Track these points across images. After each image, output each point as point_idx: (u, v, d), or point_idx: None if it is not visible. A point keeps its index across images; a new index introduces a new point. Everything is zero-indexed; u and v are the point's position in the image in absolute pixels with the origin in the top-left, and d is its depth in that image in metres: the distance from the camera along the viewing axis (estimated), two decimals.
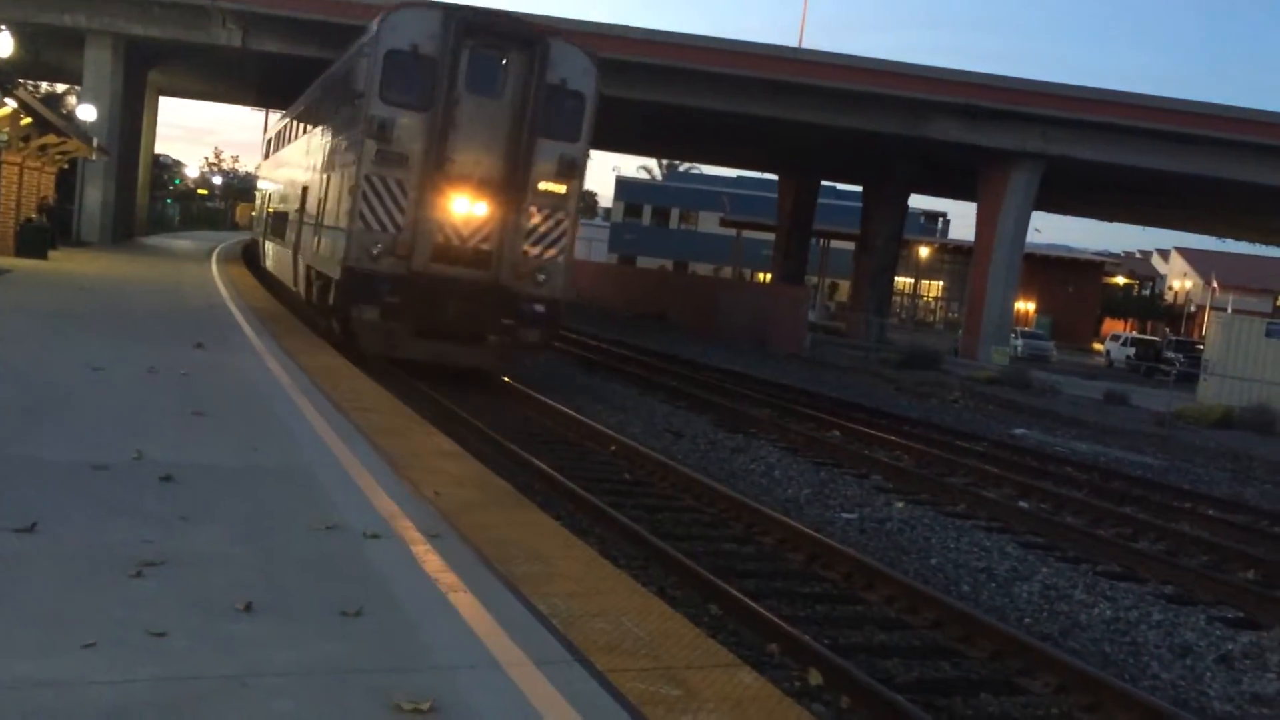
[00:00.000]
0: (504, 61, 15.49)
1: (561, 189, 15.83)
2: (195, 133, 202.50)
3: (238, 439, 7.82)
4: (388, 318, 15.13)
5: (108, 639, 4.01)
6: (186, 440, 7.58)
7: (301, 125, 24.40)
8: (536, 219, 15.69)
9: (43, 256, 25.55)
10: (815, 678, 6.49)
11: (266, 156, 35.91)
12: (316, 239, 18.31)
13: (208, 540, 5.36)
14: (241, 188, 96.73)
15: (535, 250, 15.74)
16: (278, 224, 26.50)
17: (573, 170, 15.86)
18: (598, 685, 4.11)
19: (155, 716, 3.48)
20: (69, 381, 9.40)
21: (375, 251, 14.91)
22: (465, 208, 15.31)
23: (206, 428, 8.10)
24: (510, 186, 15.39)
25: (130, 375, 10.10)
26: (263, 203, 34.09)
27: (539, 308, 15.75)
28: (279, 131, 31.27)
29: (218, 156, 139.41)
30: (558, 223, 15.84)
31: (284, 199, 26.03)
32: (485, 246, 15.51)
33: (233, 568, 5.00)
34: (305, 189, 21.03)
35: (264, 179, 36.14)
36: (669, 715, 3.92)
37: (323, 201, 17.97)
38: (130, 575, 4.70)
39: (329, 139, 18.53)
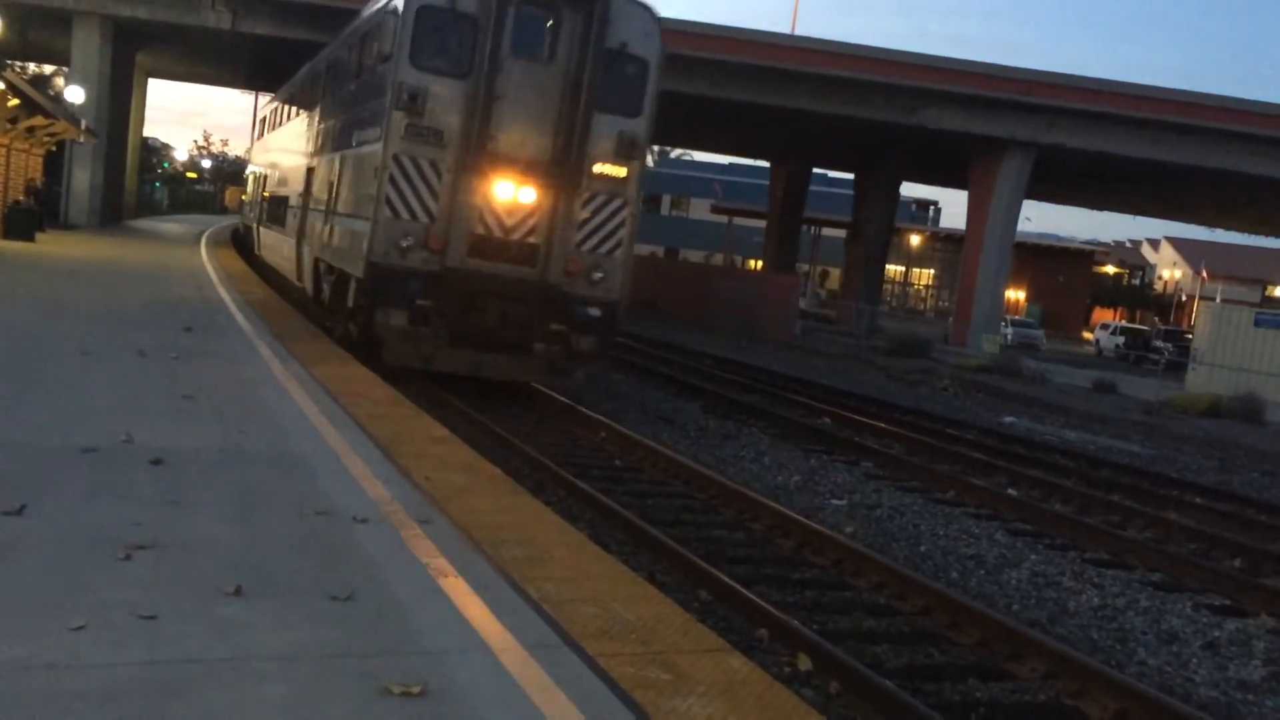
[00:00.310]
0: (555, 21, 13.23)
1: (621, 172, 13.55)
2: (184, 116, 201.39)
3: (227, 423, 7.80)
4: (418, 323, 13.01)
5: (97, 622, 4.00)
6: (176, 424, 7.56)
7: (306, 99, 21.84)
8: (592, 207, 13.47)
9: (30, 239, 25.43)
10: (805, 663, 6.51)
11: (260, 136, 33.10)
12: (328, 228, 15.92)
13: (197, 523, 5.35)
14: (231, 171, 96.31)
15: (590, 244, 13.54)
16: (275, 210, 24.12)
17: (633, 150, 13.59)
18: (588, 670, 4.12)
19: (145, 699, 3.47)
20: (57, 365, 9.36)
21: (404, 245, 12.72)
22: (509, 193, 13.04)
23: (196, 411, 8.08)
24: (562, 169, 13.12)
25: (119, 359, 10.06)
26: (256, 186, 31.40)
27: (593, 311, 13.59)
28: (277, 108, 28.49)
29: (207, 140, 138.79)
30: (615, 212, 13.58)
31: (283, 182, 23.60)
32: (532, 239, 13.26)
33: (222, 551, 4.99)
34: (311, 171, 18.87)
35: (257, 161, 33.25)
36: (659, 699, 3.93)
37: (335, 185, 15.77)
38: (120, 558, 4.69)
39: (344, 113, 16.27)
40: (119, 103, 40.65)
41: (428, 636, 4.30)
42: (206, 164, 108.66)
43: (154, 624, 4.06)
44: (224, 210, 77.03)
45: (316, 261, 16.97)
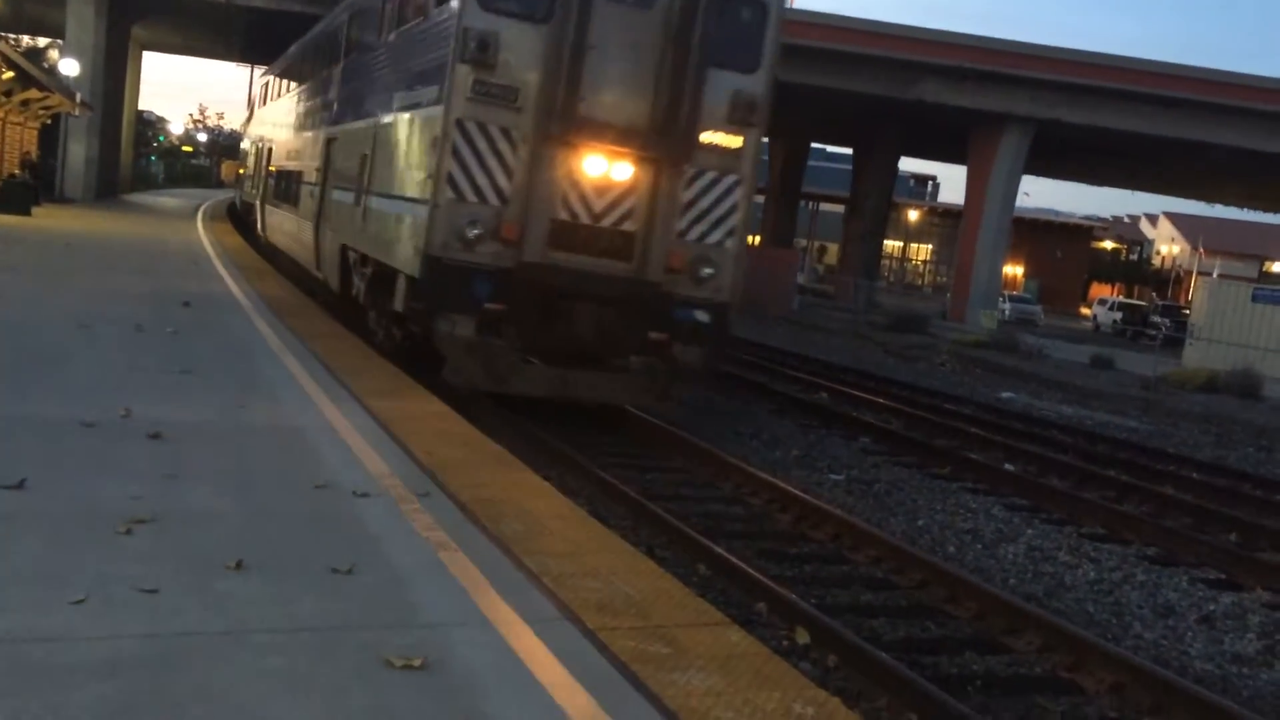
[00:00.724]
0: None
1: (735, 142, 10.91)
2: (179, 89, 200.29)
3: (226, 396, 7.79)
4: (488, 332, 10.56)
5: (97, 595, 4.01)
6: (174, 398, 7.55)
7: (322, 57, 18.70)
8: (699, 187, 10.84)
9: (26, 213, 25.32)
10: (803, 636, 6.54)
11: (264, 102, 29.44)
12: (361, 211, 13.21)
13: (197, 498, 5.36)
14: (227, 145, 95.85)
15: (696, 232, 10.91)
16: (284, 186, 21.25)
17: (751, 114, 10.89)
18: (588, 643, 4.14)
19: (146, 672, 3.48)
20: (56, 339, 9.34)
21: (471, 235, 10.11)
22: (600, 169, 10.43)
23: (194, 386, 8.07)
24: (665, 138, 10.49)
25: (117, 333, 10.04)
26: (258, 159, 27.88)
27: (701, 315, 11.00)
28: (284, 69, 25.11)
29: (202, 113, 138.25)
30: (728, 191, 10.94)
31: (294, 154, 20.65)
32: (627, 226, 10.64)
33: (222, 525, 5.00)
34: (331, 142, 16.13)
35: (259, 131, 29.70)
36: (658, 673, 3.95)
37: (370, 159, 13.11)
38: (119, 532, 4.69)
39: (381, 71, 13.52)
40: (114, 76, 40.43)
41: (428, 610, 4.32)
42: (202, 138, 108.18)
43: (154, 597, 4.06)
44: (220, 184, 76.82)
45: (345, 251, 14.28)
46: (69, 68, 34.48)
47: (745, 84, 10.91)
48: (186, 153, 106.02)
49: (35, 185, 28.48)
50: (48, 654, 3.52)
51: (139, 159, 68.55)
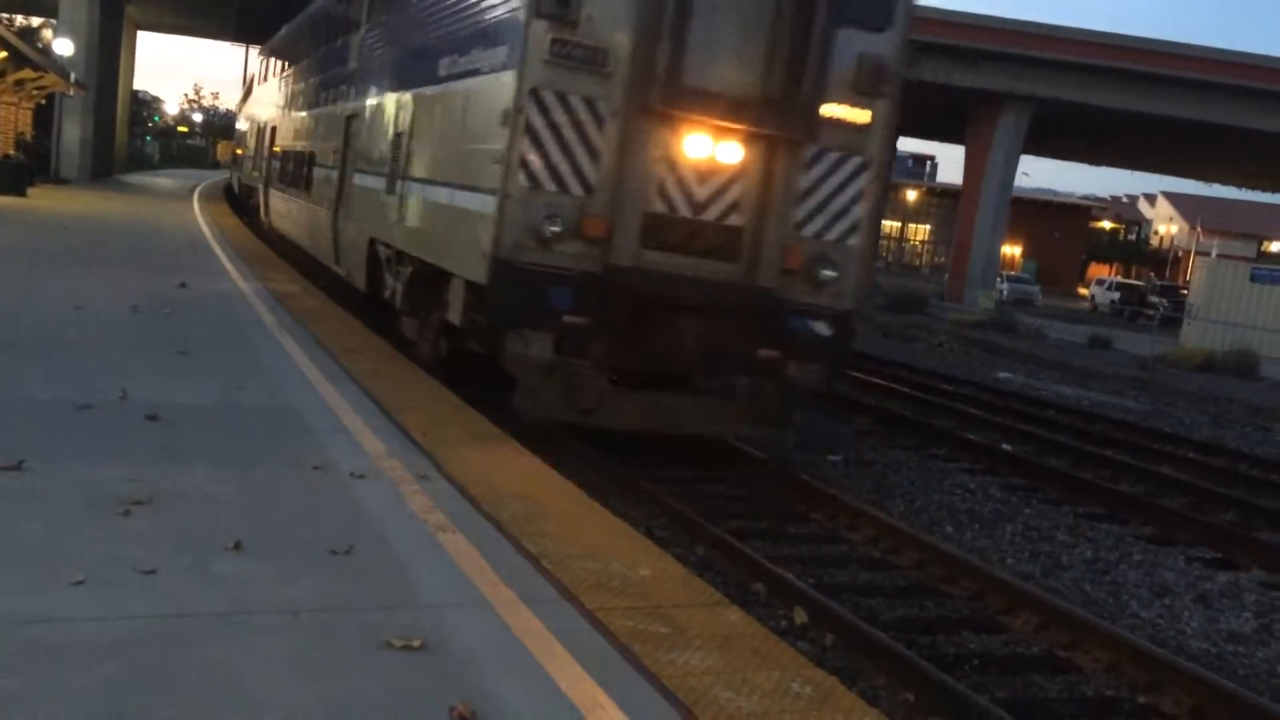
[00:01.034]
0: None
1: (862, 116, 9.02)
2: (174, 68, 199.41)
3: (223, 378, 7.78)
4: (570, 352, 8.74)
5: (96, 577, 4.01)
6: (171, 379, 7.54)
7: (342, 20, 16.41)
8: (820, 171, 8.96)
9: (21, 194, 25.24)
10: (800, 616, 6.56)
11: (266, 77, 27.14)
12: (398, 200, 11.23)
13: (195, 479, 5.36)
14: (223, 125, 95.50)
15: (815, 226, 9.03)
16: (294, 170, 19.06)
17: (880, 81, 9.00)
18: (586, 623, 4.15)
19: (146, 653, 3.49)
20: (52, 320, 9.32)
21: (550, 232, 8.26)
22: (704, 150, 8.61)
23: (191, 367, 8.07)
24: (784, 111, 8.63)
25: (113, 314, 10.02)
26: (260, 139, 25.69)
27: (820, 326, 9.18)
28: (292, 38, 22.62)
29: (197, 93, 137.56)
30: (852, 176, 9.06)
31: (306, 134, 18.55)
32: (734, 220, 8.82)
33: (220, 506, 5.00)
34: (353, 119, 14.15)
35: (260, 108, 27.36)
36: (657, 652, 3.96)
37: (408, 138, 11.14)
38: (118, 514, 4.69)
39: (426, 30, 11.33)
40: (108, 55, 40.22)
41: (427, 591, 4.33)
42: (197, 118, 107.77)
43: (153, 578, 4.07)
44: (216, 165, 76.38)
45: (374, 245, 12.38)
46: (63, 47, 34.27)
47: (874, 44, 8.99)
48: (182, 133, 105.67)
49: (30, 166, 28.38)
50: (47, 635, 3.53)
51: (134, 139, 68.26)
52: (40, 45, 41.12)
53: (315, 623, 3.88)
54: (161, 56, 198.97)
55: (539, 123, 8.21)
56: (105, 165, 42.76)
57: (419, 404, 7.87)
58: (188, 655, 3.51)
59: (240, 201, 31.98)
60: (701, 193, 8.71)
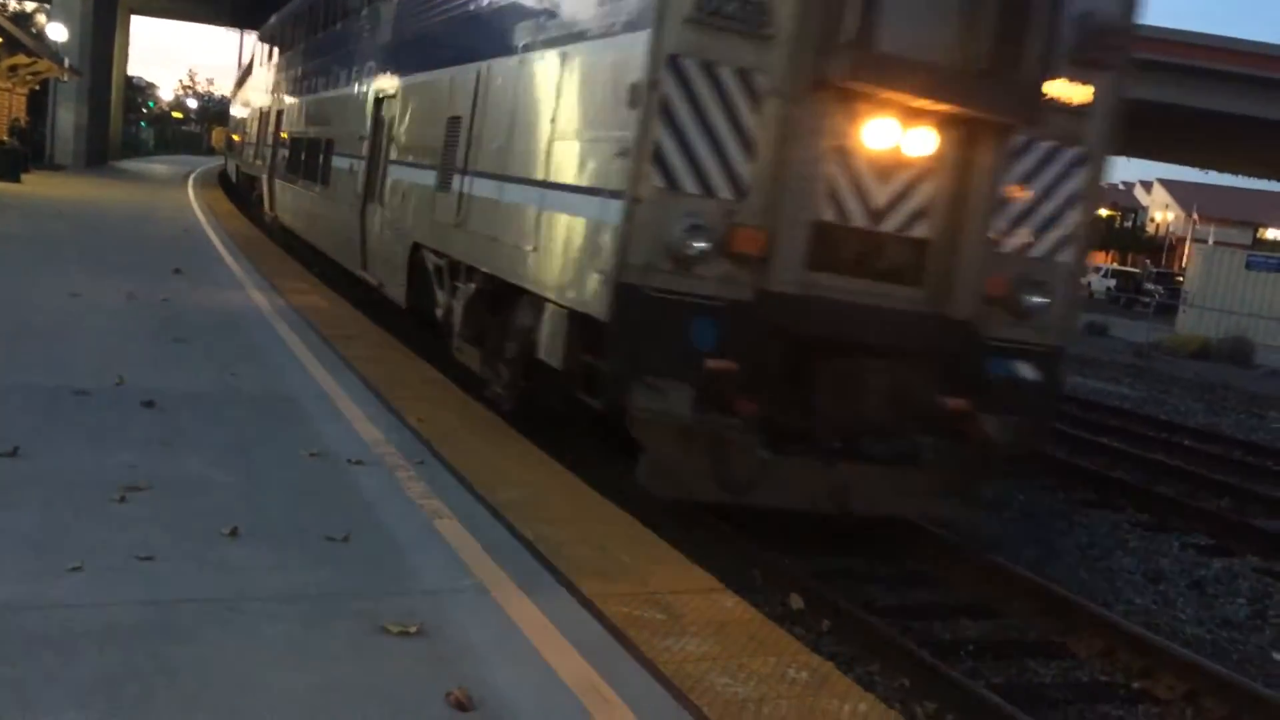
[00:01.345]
0: None
1: (1084, 95, 7.04)
2: (169, 54, 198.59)
3: (219, 365, 7.78)
4: (715, 407, 6.44)
5: (94, 563, 4.01)
6: (167, 366, 7.54)
7: None
8: (1028, 165, 6.97)
9: (15, 180, 25.17)
10: (796, 602, 6.58)
11: (270, 57, 24.91)
12: (456, 200, 9.03)
13: (192, 465, 5.36)
14: (218, 111, 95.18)
15: (1021, 237, 7.05)
16: (306, 159, 17.02)
17: (1109, 48, 7.05)
18: (583, 610, 4.16)
19: (144, 640, 3.49)
20: (48, 307, 9.30)
21: (692, 248, 6.27)
22: (889, 139, 6.65)
23: (187, 354, 8.06)
24: (996, 89, 6.60)
25: (109, 301, 10.00)
26: (264, 123, 23.74)
27: (1024, 369, 7.18)
28: (303, 9, 20.14)
29: (192, 79, 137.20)
30: (1067, 172, 7.11)
31: (322, 118, 16.41)
32: (919, 231, 6.87)
33: (217, 493, 5.00)
34: (387, 101, 12.16)
35: (262, 90, 25.47)
36: (653, 639, 3.97)
37: (469, 123, 9.03)
38: (115, 500, 4.69)
39: None
40: (102, 40, 40.03)
41: (424, 577, 4.34)
42: (192, 104, 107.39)
43: (151, 565, 4.07)
44: (211, 151, 76.24)
45: (418, 251, 10.28)
46: (57, 32, 34.12)
47: (1099, 3, 6.98)
48: (177, 119, 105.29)
49: (25, 152, 28.29)
50: (45, 622, 3.53)
51: (129, 125, 68.01)
52: (34, 30, 40.95)
53: (313, 609, 3.89)
54: (156, 42, 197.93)
55: (679, 102, 6.17)
56: (100, 151, 42.62)
57: (415, 390, 7.88)
58: (185, 642, 3.51)
59: (240, 191, 30.87)
60: (882, 195, 6.73)
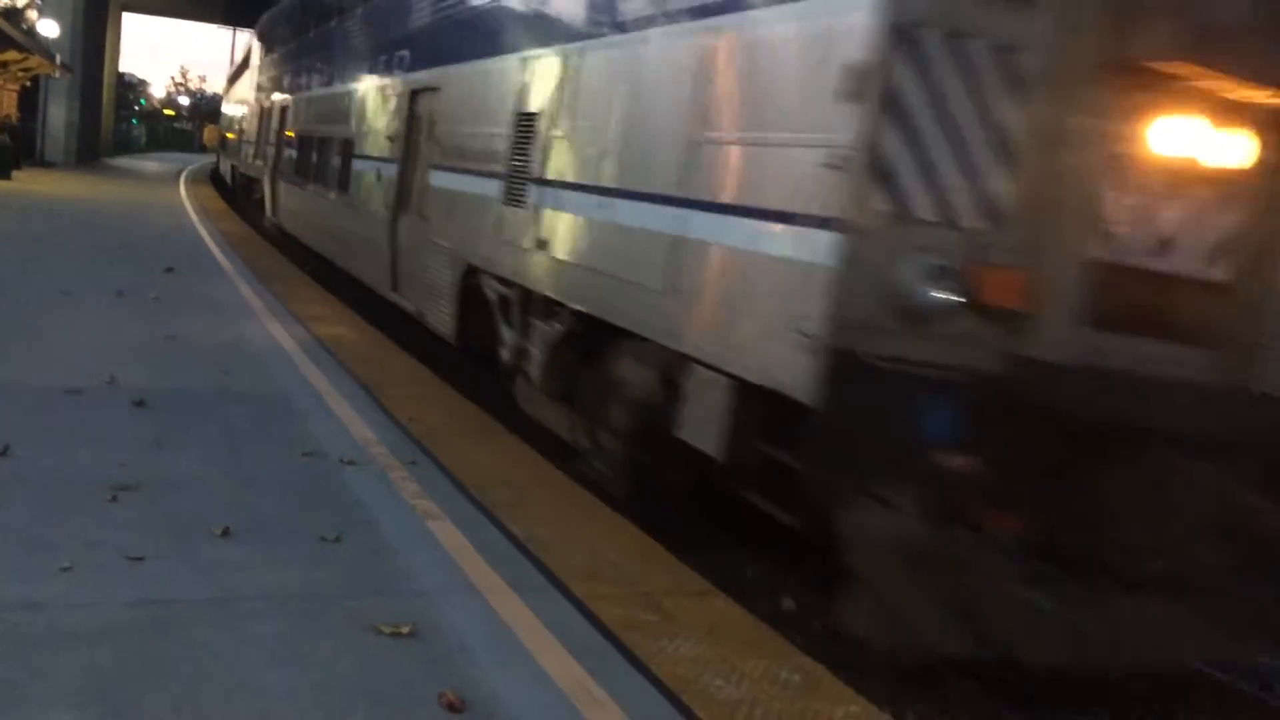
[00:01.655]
0: None
1: None
2: (160, 51, 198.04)
3: (211, 363, 7.76)
4: (958, 524, 4.42)
5: (84, 563, 4.00)
6: (159, 365, 7.52)
7: None
8: None
9: (6, 177, 25.10)
10: (788, 604, 6.58)
11: (272, 47, 23.15)
12: (530, 216, 7.37)
13: (183, 465, 5.34)
14: (210, 108, 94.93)
15: None
16: (318, 160, 15.36)
17: None
18: (575, 611, 4.15)
19: (135, 639, 3.48)
20: (38, 305, 9.27)
21: (930, 299, 4.36)
22: (1196, 143, 4.74)
23: (178, 352, 8.04)
24: None
25: (100, 299, 9.97)
26: (266, 120, 21.97)
27: None
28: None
29: (184, 76, 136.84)
30: None
31: (339, 114, 14.29)
32: (1217, 274, 4.97)
33: (209, 492, 4.98)
34: (424, 94, 10.45)
35: (263, 84, 23.82)
36: (645, 640, 3.97)
37: (547, 121, 7.30)
38: (105, 500, 4.68)
39: None
40: (94, 37, 39.93)
41: (416, 577, 4.33)
42: (184, 101, 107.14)
43: (142, 565, 4.06)
44: (203, 149, 75.98)
45: (474, 275, 8.47)
46: (48, 29, 34.02)
47: None
48: (169, 116, 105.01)
49: (15, 149, 28.19)
50: (34, 621, 3.51)
51: (120, 122, 67.80)
52: (25, 27, 40.78)
53: (304, 609, 3.88)
54: (148, 39, 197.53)
55: (912, 92, 4.37)
56: (91, 149, 42.49)
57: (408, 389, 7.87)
58: (176, 642, 3.50)
59: (234, 191, 29.48)
60: (1171, 222, 4.88)
